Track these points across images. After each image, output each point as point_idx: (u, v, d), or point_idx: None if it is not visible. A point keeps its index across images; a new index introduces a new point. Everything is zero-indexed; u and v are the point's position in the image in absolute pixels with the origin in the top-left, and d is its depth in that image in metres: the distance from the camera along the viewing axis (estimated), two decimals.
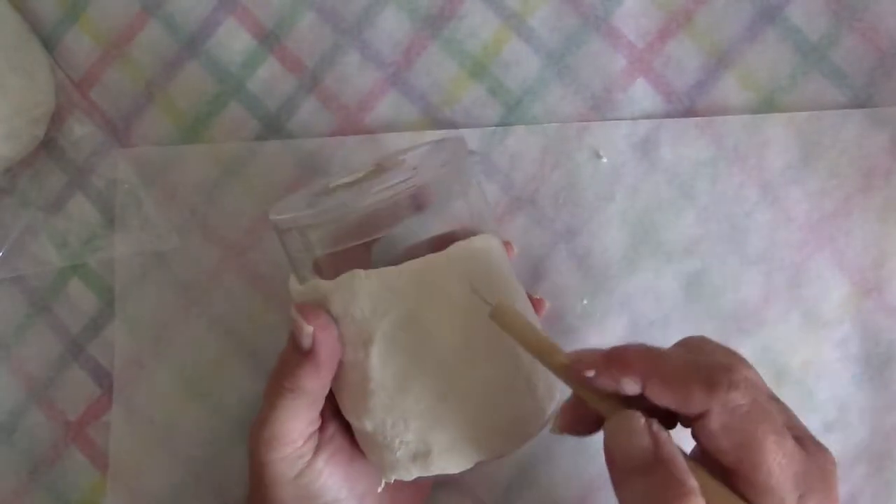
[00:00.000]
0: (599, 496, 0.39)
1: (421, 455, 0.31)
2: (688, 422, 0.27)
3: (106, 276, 0.42)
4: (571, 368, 0.27)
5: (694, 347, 0.30)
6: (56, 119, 0.42)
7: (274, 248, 0.41)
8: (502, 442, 0.31)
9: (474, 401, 0.30)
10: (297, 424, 0.31)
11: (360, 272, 0.30)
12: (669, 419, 0.27)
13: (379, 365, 0.30)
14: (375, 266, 0.31)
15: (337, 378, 0.32)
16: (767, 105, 0.40)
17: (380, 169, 0.34)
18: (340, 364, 0.31)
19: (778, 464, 0.26)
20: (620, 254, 0.40)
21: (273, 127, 0.42)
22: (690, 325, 0.39)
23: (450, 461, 0.31)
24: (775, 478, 0.26)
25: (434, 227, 0.35)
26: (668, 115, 0.40)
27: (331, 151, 0.41)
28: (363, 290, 0.30)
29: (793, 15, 0.40)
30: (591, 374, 0.27)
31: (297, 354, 0.31)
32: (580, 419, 0.29)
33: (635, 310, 0.40)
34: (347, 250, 0.31)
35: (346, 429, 0.33)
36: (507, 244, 0.36)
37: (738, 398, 0.26)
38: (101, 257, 0.42)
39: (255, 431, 0.32)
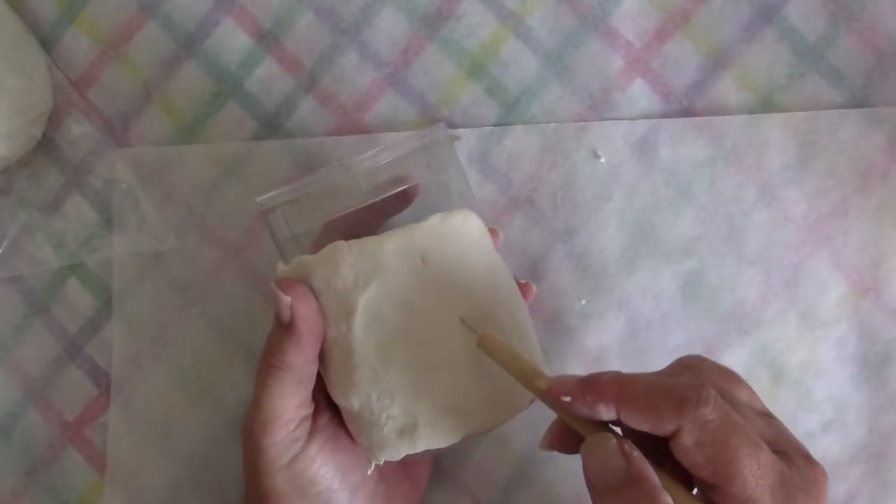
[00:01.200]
0: None
1: (407, 429, 0.31)
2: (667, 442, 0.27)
3: (104, 277, 0.42)
4: (551, 393, 0.28)
5: (688, 367, 0.30)
6: (53, 119, 0.42)
7: (272, 248, 0.41)
8: (489, 415, 0.31)
9: (458, 372, 0.31)
10: (286, 404, 0.31)
11: (342, 243, 0.31)
12: (652, 439, 0.28)
13: (362, 337, 0.30)
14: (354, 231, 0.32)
15: (323, 359, 0.32)
16: (765, 105, 0.40)
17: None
18: (326, 343, 0.31)
19: (753, 475, 0.26)
20: (618, 253, 0.40)
21: (271, 127, 0.42)
22: (688, 324, 0.39)
23: (436, 434, 0.31)
24: (751, 489, 0.26)
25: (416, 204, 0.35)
26: (665, 115, 0.40)
27: (329, 151, 0.41)
28: (345, 261, 0.30)
29: (790, 15, 0.40)
30: (567, 399, 0.28)
31: (280, 330, 0.31)
32: (564, 438, 0.29)
33: (633, 309, 0.40)
34: (340, 231, 0.32)
35: (341, 419, 0.33)
36: (492, 231, 0.36)
37: (708, 413, 0.26)
38: (98, 257, 0.42)
39: (248, 420, 0.32)
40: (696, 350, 0.39)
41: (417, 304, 0.31)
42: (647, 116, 0.40)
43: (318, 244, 0.34)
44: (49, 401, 0.42)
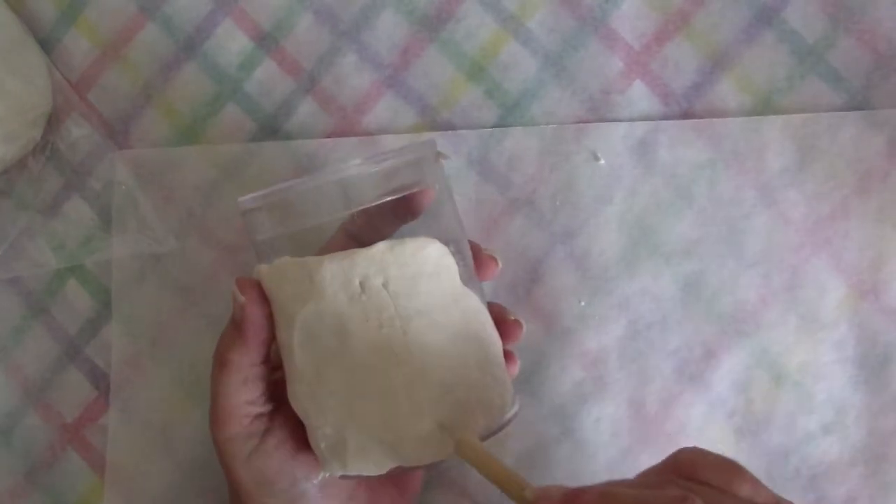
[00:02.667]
0: None
1: (338, 450, 0.30)
2: None
3: (103, 278, 0.42)
4: None
5: (682, 465, 0.29)
6: (53, 121, 0.42)
7: None
8: (418, 452, 0.31)
9: (391, 405, 0.30)
10: (235, 401, 0.31)
11: (289, 258, 0.31)
12: None
13: (299, 351, 0.30)
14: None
15: (282, 359, 0.32)
16: (765, 107, 0.40)
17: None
18: (280, 345, 0.32)
19: None
20: (618, 255, 0.40)
21: (270, 128, 0.42)
22: (688, 326, 0.39)
23: (364, 462, 0.30)
24: None
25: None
26: (665, 118, 0.40)
27: (328, 153, 0.41)
28: (288, 276, 0.31)
29: (790, 17, 0.40)
30: None
31: (231, 329, 0.32)
32: None
33: (633, 311, 0.40)
34: (352, 235, 0.33)
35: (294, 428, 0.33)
36: (489, 258, 0.35)
37: None
38: (98, 259, 0.42)
39: (209, 417, 0.32)
40: (696, 352, 0.39)
41: (352, 331, 0.30)
42: (647, 118, 0.40)
43: (330, 246, 0.34)
44: (48, 402, 0.42)
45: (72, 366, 0.42)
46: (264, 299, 0.31)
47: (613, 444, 0.39)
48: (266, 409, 0.32)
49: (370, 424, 0.30)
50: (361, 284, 0.30)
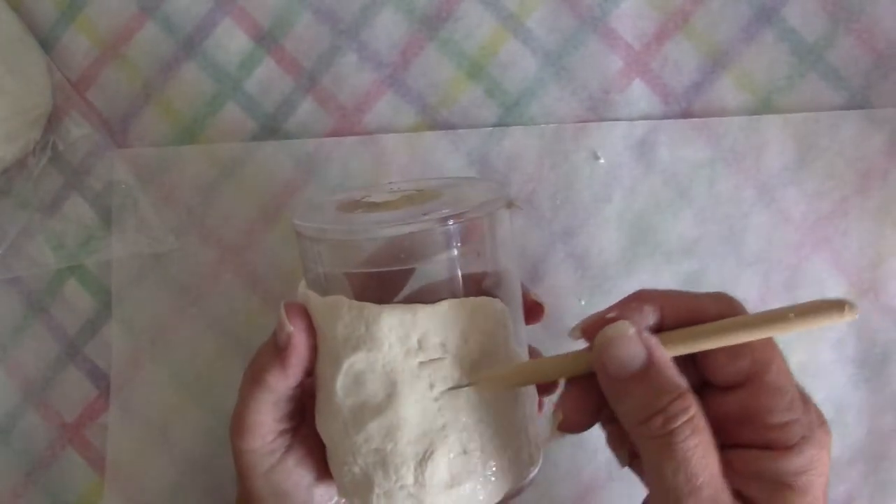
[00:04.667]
0: (598, 495, 0.39)
1: (362, 491, 0.30)
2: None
3: (103, 278, 0.42)
4: (592, 326, 0.28)
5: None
6: (53, 120, 0.42)
7: (271, 249, 0.41)
8: (443, 501, 0.30)
9: (421, 463, 0.30)
10: (263, 418, 0.31)
11: (345, 300, 0.30)
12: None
13: (342, 394, 0.30)
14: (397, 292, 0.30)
15: (317, 385, 0.31)
16: (764, 106, 0.40)
17: (411, 197, 0.33)
18: (319, 376, 0.31)
19: (784, 365, 0.27)
20: (618, 254, 0.40)
21: (270, 128, 0.42)
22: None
23: None
24: (784, 377, 0.27)
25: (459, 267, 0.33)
26: (665, 117, 0.40)
27: (328, 152, 0.41)
28: (341, 319, 0.29)
29: (789, 16, 0.40)
30: (612, 314, 0.27)
31: (271, 350, 0.31)
32: (581, 409, 0.29)
33: None
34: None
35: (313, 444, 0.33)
36: (535, 304, 0.34)
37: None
38: (97, 258, 0.42)
39: (231, 423, 0.32)
40: None
41: (402, 388, 0.29)
42: (647, 117, 0.40)
43: (359, 280, 0.33)
44: (48, 402, 0.42)
45: (71, 365, 0.42)
46: (312, 330, 0.30)
47: None
48: (291, 425, 0.32)
49: (401, 477, 0.30)
50: (420, 342, 0.29)
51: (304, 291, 0.32)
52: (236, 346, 0.41)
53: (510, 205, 0.31)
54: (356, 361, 0.29)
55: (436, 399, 0.29)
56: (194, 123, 0.42)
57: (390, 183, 0.37)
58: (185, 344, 0.41)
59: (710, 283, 0.40)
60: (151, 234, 0.41)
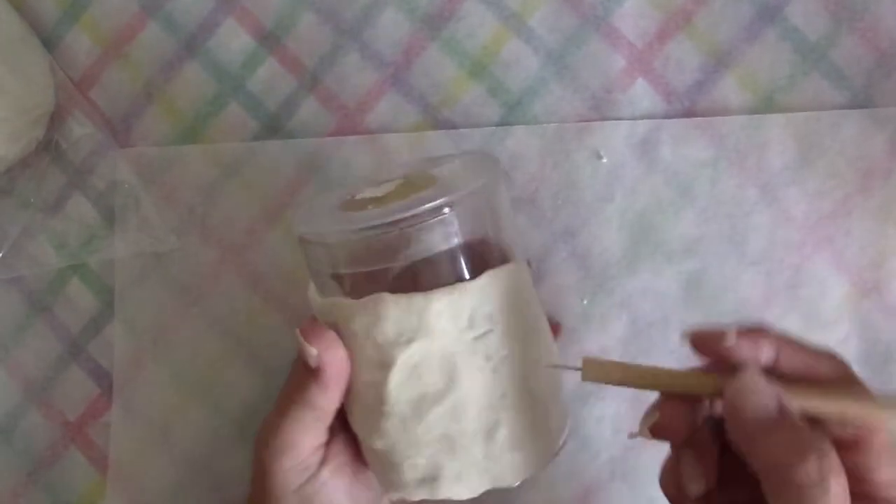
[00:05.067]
0: (600, 496, 0.39)
1: (429, 480, 0.30)
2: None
3: (105, 277, 0.42)
4: (698, 344, 0.28)
5: None
6: (55, 119, 0.42)
7: (273, 248, 0.41)
8: (513, 474, 0.31)
9: (489, 434, 0.30)
10: (305, 437, 0.31)
11: (388, 296, 0.29)
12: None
13: (396, 391, 0.29)
14: (398, 281, 0.30)
15: (350, 393, 0.31)
16: (766, 105, 0.40)
17: (409, 185, 0.33)
18: (356, 383, 0.31)
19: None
20: (620, 254, 0.40)
21: (272, 127, 0.42)
22: (690, 324, 0.39)
23: (458, 489, 0.30)
24: (892, 435, 0.26)
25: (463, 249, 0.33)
26: (667, 116, 0.40)
27: (330, 152, 0.41)
28: (388, 316, 0.29)
29: (792, 15, 0.40)
30: (730, 342, 0.27)
31: (305, 372, 0.30)
32: (684, 423, 0.28)
33: (635, 310, 0.40)
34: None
35: (353, 442, 0.33)
36: (554, 325, 0.35)
37: None
38: (100, 258, 0.42)
39: (263, 437, 0.32)
40: None
41: (461, 368, 0.29)
42: (649, 117, 0.40)
43: (358, 278, 0.32)
44: (51, 401, 0.42)
45: (74, 364, 0.42)
46: (339, 341, 0.30)
47: (616, 442, 0.39)
48: (325, 439, 0.32)
49: (470, 457, 0.30)
50: (470, 319, 0.29)
51: (331, 301, 0.31)
52: (238, 346, 0.41)
53: (504, 175, 0.32)
54: (412, 355, 0.29)
55: (494, 370, 0.30)
56: (196, 123, 0.42)
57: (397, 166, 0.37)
58: (187, 343, 0.42)
59: (712, 283, 0.39)
60: (153, 234, 0.41)
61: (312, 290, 0.33)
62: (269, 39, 0.42)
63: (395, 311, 0.29)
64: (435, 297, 0.29)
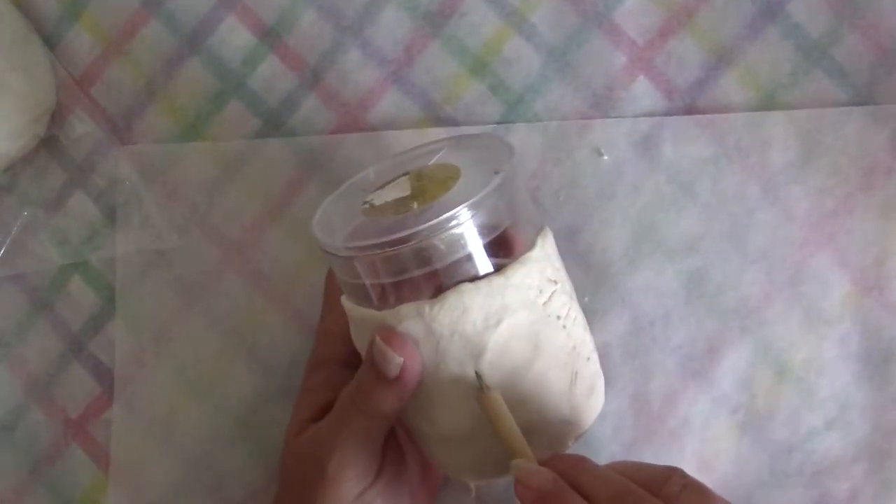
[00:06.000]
0: None
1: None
2: None
3: (107, 274, 0.42)
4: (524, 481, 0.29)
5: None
6: (57, 117, 0.42)
7: (275, 246, 0.41)
8: (589, 416, 0.34)
9: (571, 387, 0.33)
10: (368, 448, 0.31)
11: (469, 285, 0.30)
12: None
13: (488, 373, 0.30)
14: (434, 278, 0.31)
15: (420, 397, 0.32)
16: (768, 103, 0.40)
17: (429, 180, 0.33)
18: (437, 382, 0.31)
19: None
20: (621, 251, 0.40)
21: (274, 125, 0.42)
22: (691, 322, 0.39)
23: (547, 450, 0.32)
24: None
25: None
26: (669, 113, 0.40)
27: (332, 149, 0.41)
28: (474, 304, 0.30)
29: (794, 12, 0.40)
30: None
31: (380, 381, 0.30)
32: None
33: (636, 307, 0.40)
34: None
35: (399, 450, 0.34)
36: None
37: (679, 485, 0.28)
38: (101, 255, 0.42)
39: (316, 446, 0.32)
40: (699, 348, 0.39)
41: (539, 333, 0.31)
42: (651, 114, 0.40)
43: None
44: (52, 398, 0.42)
45: (75, 361, 0.42)
46: (416, 348, 0.30)
47: (616, 440, 0.39)
48: (380, 458, 0.32)
49: (559, 412, 0.32)
50: (539, 286, 0.31)
51: (400, 308, 0.31)
52: (239, 343, 0.41)
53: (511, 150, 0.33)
54: (500, 334, 0.30)
55: (563, 327, 0.32)
56: (198, 120, 0.42)
57: (393, 156, 0.37)
58: (189, 341, 0.42)
59: (713, 281, 0.39)
60: (155, 231, 0.42)
61: (345, 300, 0.33)
62: (270, 37, 0.42)
63: (478, 297, 0.30)
64: (510, 273, 0.30)
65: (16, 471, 0.42)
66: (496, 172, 0.31)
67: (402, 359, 0.30)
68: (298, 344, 0.41)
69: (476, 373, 0.30)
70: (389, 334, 0.30)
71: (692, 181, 0.40)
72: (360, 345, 0.33)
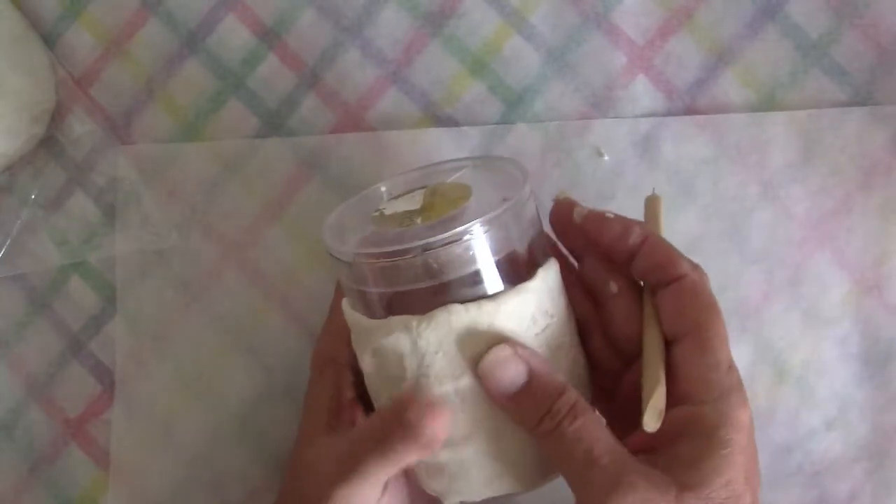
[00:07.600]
0: None
1: (496, 477, 0.31)
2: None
3: (106, 274, 0.42)
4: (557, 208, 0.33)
5: None
6: (56, 116, 0.42)
7: (274, 246, 0.41)
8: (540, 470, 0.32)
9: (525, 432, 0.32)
10: (376, 490, 0.31)
11: (458, 307, 0.30)
12: None
13: (472, 397, 0.30)
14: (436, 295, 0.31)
15: None
16: (768, 103, 0.40)
17: (441, 197, 0.33)
18: (419, 396, 0.31)
19: (723, 331, 0.30)
20: None
21: (273, 124, 0.42)
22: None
23: (520, 481, 0.32)
24: (721, 341, 0.30)
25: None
26: (668, 113, 0.40)
27: (331, 149, 0.41)
28: (461, 325, 0.30)
29: (793, 12, 0.40)
30: (578, 219, 0.33)
31: (404, 435, 0.29)
32: None
33: None
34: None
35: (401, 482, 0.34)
36: None
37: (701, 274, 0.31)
38: (101, 255, 0.42)
39: (326, 471, 0.31)
40: None
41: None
42: (650, 114, 0.40)
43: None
44: (52, 398, 0.42)
45: (75, 361, 0.42)
46: (445, 406, 0.30)
47: None
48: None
49: (527, 445, 0.31)
50: (532, 317, 0.31)
51: (394, 319, 0.31)
52: (239, 343, 0.41)
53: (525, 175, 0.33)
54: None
55: (552, 358, 0.31)
56: (197, 120, 0.42)
57: (422, 167, 0.37)
58: (188, 341, 0.42)
59: (713, 280, 0.39)
60: (154, 231, 0.42)
61: (346, 304, 0.33)
62: (270, 36, 0.42)
63: (466, 320, 0.30)
64: (503, 300, 0.30)
65: (15, 470, 0.42)
66: (504, 200, 0.30)
67: (435, 429, 0.29)
68: (298, 343, 0.41)
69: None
70: (427, 404, 0.29)
71: (692, 181, 0.40)
72: (358, 348, 0.33)
